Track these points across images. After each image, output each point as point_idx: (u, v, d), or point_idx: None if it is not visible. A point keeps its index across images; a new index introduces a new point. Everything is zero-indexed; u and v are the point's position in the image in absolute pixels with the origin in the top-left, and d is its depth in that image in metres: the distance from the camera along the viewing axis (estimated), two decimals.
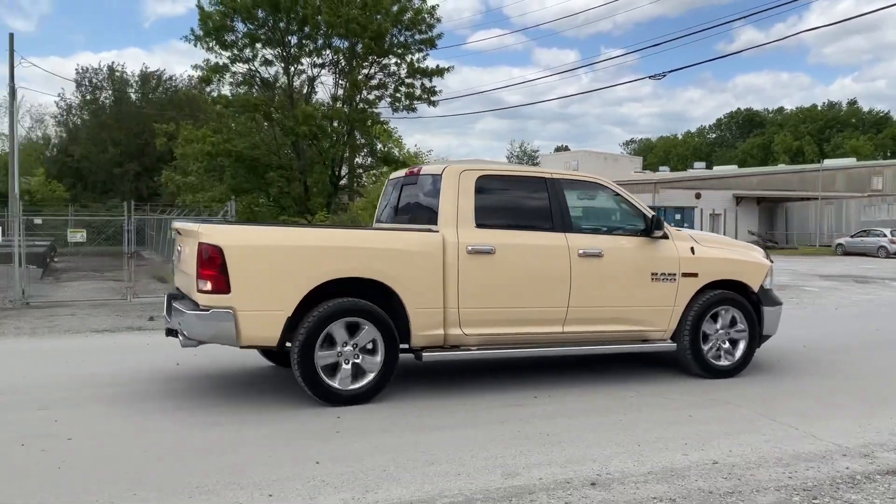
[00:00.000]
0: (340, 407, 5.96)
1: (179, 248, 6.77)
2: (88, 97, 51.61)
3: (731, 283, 7.45)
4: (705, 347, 7.28)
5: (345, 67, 23.90)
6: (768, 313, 7.61)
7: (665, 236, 7.18)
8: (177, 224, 6.82)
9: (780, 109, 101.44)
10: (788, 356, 8.57)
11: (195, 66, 24.15)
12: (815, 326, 11.60)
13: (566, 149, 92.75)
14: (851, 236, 42.02)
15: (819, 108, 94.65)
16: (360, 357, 6.10)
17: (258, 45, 23.38)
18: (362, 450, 4.96)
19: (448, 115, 55.00)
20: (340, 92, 24.12)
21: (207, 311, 5.76)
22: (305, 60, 24.07)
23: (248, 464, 4.66)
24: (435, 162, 45.87)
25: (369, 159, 28.94)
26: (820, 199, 48.62)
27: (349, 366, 6.06)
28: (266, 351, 7.27)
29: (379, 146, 27.76)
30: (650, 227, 7.09)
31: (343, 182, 28.51)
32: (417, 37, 23.06)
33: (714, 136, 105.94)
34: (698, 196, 44.30)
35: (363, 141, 26.32)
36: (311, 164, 26.52)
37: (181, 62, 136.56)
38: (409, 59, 23.09)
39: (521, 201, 6.88)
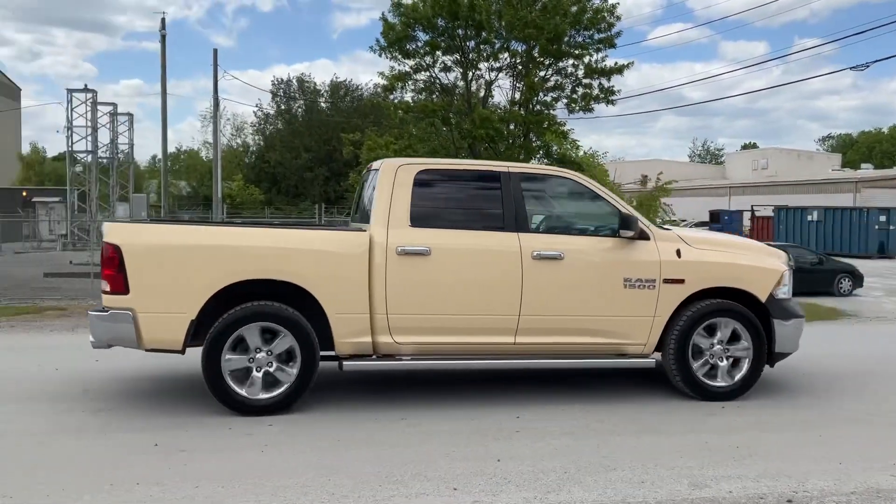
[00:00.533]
0: (518, 407, 6.01)
1: None
2: (283, 107, 55.83)
3: (733, 291, 6.48)
4: (695, 364, 6.35)
5: (521, 70, 24.06)
6: (781, 327, 6.49)
7: (643, 237, 6.31)
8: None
9: None
10: None
11: (380, 74, 25.29)
12: None
13: (754, 146, 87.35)
14: None
15: None
16: (274, 366, 5.73)
17: (438, 53, 24.08)
18: (542, 450, 5.01)
19: (625, 114, 54.36)
20: (517, 95, 24.32)
21: (106, 312, 5.63)
22: (483, 65, 24.50)
23: (434, 458, 4.85)
24: (611, 163, 44.64)
25: (545, 161, 28.93)
26: None
27: (261, 374, 5.71)
28: None
29: (555, 148, 27.64)
30: (620, 227, 6.24)
31: None
32: (596, 36, 22.71)
33: None
34: None
35: (539, 143, 26.34)
36: None
37: (366, 71, 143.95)
38: (586, 60, 22.80)
39: (468, 199, 6.37)
